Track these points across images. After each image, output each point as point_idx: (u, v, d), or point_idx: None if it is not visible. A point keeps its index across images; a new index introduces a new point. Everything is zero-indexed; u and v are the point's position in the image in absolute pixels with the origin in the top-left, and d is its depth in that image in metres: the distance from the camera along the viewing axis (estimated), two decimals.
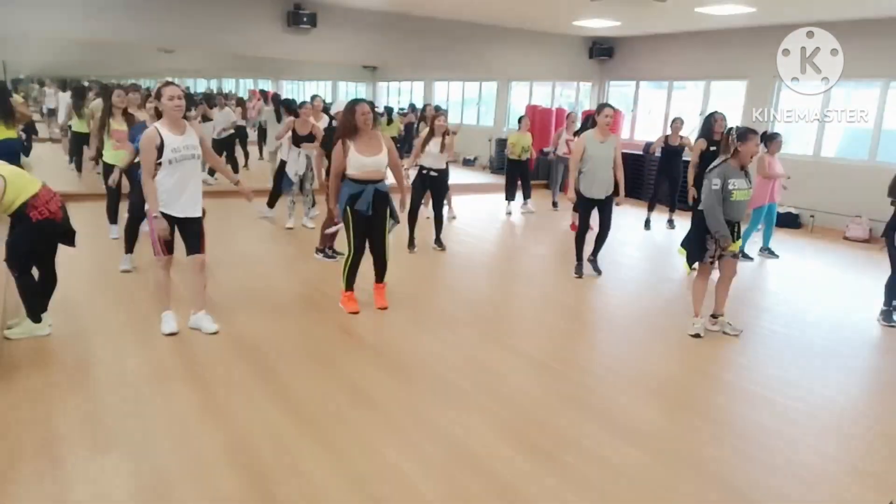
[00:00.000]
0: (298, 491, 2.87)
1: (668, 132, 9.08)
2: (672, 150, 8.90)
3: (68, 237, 4.42)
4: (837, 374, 4.53)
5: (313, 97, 8.90)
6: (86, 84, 18.95)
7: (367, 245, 5.10)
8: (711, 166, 4.92)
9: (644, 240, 8.98)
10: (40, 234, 4.21)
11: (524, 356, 4.55)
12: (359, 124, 4.87)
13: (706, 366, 4.58)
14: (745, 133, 4.75)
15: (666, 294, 6.48)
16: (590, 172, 6.23)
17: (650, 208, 9.44)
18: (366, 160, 4.87)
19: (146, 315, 4.89)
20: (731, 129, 4.84)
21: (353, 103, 4.96)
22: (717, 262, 4.96)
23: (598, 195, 6.31)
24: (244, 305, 5.24)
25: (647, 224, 9.35)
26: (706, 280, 5.00)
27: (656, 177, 9.35)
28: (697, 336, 4.95)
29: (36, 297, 4.37)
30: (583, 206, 6.45)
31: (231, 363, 4.18)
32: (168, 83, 4.36)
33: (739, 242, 4.99)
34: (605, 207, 6.41)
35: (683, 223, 9.43)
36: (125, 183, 6.20)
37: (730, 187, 4.72)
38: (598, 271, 6.67)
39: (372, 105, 5.07)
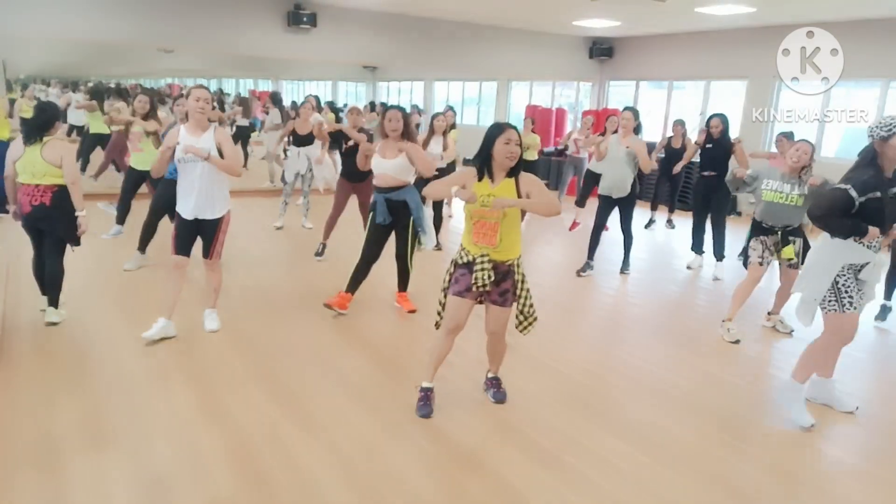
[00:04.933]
0: (298, 491, 2.87)
1: (671, 134, 9.10)
2: (673, 153, 8.93)
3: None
4: (842, 374, 4.52)
5: (307, 98, 8.84)
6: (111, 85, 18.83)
7: (377, 254, 5.07)
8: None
9: (645, 240, 8.97)
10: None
11: (524, 355, 4.55)
12: (386, 130, 4.86)
13: (708, 366, 4.57)
14: (777, 137, 4.88)
15: (667, 294, 6.48)
16: (609, 172, 6.45)
17: (653, 208, 9.56)
18: (379, 161, 4.87)
19: (147, 314, 4.88)
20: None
21: (386, 109, 4.99)
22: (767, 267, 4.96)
23: (611, 193, 6.50)
24: (244, 305, 5.24)
25: (650, 223, 9.48)
26: (754, 284, 4.92)
27: (657, 178, 9.37)
28: (737, 342, 4.90)
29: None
30: (602, 204, 6.55)
31: (231, 363, 4.18)
32: (200, 86, 4.43)
33: (791, 249, 4.85)
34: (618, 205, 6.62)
35: (683, 223, 9.44)
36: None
37: (762, 186, 4.79)
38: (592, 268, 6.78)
39: (405, 113, 4.97)
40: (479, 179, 3.41)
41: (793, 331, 5.11)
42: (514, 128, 3.37)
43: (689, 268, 7.22)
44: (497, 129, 3.36)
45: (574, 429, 3.53)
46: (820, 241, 3.68)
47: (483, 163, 3.41)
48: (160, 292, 5.37)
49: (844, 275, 3.52)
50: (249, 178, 11.99)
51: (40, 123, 4.46)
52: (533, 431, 3.46)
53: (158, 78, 27.88)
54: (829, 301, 3.57)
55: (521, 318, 3.55)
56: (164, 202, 5.57)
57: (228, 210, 4.49)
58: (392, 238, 5.09)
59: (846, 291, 3.52)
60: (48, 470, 2.92)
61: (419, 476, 3.02)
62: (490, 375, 3.89)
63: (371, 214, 4.99)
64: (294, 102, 16.53)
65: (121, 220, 6.85)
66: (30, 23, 8.80)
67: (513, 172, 3.39)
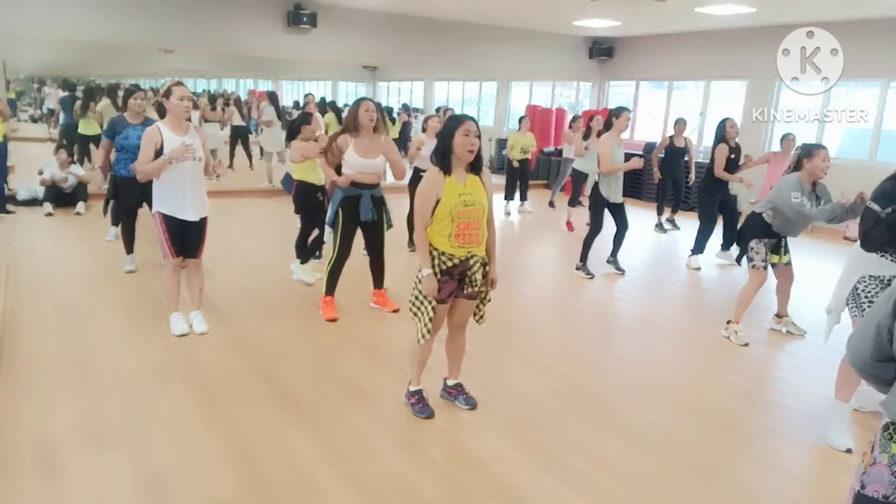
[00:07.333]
0: (297, 491, 2.87)
1: (672, 133, 9.05)
2: (676, 151, 8.91)
3: None
4: None
5: (306, 96, 8.78)
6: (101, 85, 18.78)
7: (350, 250, 5.01)
8: (780, 182, 4.70)
9: (648, 241, 8.97)
10: None
11: (524, 356, 4.55)
12: (362, 122, 4.75)
13: (709, 367, 4.57)
14: (811, 149, 4.54)
15: (669, 295, 6.48)
16: (613, 176, 6.33)
17: (660, 211, 9.47)
18: (363, 161, 4.74)
19: (146, 315, 4.89)
20: (799, 145, 4.80)
21: (360, 100, 4.87)
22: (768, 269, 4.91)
23: (618, 199, 6.42)
24: (244, 305, 5.24)
25: (661, 226, 9.43)
26: (758, 287, 4.88)
27: (662, 178, 9.28)
28: (747, 344, 4.88)
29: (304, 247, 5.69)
30: (601, 208, 6.47)
31: (230, 363, 4.18)
32: (178, 83, 4.38)
33: (787, 257, 4.96)
34: (622, 208, 6.53)
35: (686, 223, 9.45)
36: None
37: (793, 200, 4.52)
38: (622, 270, 6.80)
39: (379, 106, 4.94)
40: (447, 175, 3.24)
41: (805, 332, 5.11)
42: (472, 119, 3.29)
43: (697, 268, 7.21)
44: (455, 122, 3.23)
45: (574, 429, 3.53)
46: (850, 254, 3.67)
47: (443, 159, 3.25)
48: (160, 292, 5.38)
49: (865, 281, 3.51)
50: (249, 177, 12.01)
51: (293, 127, 5.96)
52: (533, 431, 3.46)
53: (158, 78, 27.85)
54: (851, 308, 3.61)
55: (482, 307, 3.55)
56: (133, 201, 5.81)
57: None
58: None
59: (866, 297, 3.50)
60: (48, 470, 2.92)
61: (419, 475, 3.02)
62: (452, 382, 3.76)
63: (338, 212, 4.83)
64: (296, 102, 16.39)
65: (117, 221, 6.87)
66: (30, 23, 8.80)
67: (474, 168, 3.31)
